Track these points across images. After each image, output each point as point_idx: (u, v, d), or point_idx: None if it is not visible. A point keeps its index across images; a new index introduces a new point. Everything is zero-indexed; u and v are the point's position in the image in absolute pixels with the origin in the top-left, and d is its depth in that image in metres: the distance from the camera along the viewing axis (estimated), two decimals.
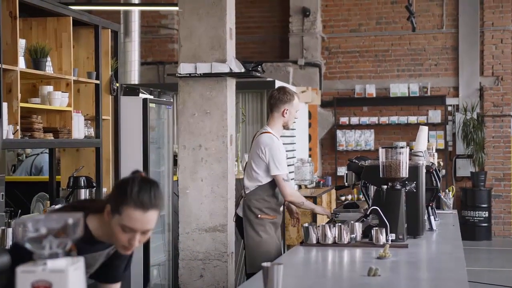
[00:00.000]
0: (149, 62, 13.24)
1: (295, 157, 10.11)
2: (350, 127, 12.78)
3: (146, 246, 6.19)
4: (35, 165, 7.63)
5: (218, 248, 5.62)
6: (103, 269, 2.79)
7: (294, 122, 5.25)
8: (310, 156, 12.00)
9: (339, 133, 12.77)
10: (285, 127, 5.15)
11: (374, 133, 12.70)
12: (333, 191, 11.01)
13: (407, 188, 4.45)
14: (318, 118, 12.57)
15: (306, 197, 8.89)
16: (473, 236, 12.04)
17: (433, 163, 5.57)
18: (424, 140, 5.40)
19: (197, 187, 5.57)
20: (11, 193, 6.57)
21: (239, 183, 7.45)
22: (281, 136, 5.20)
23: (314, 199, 8.96)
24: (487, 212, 12.09)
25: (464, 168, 12.44)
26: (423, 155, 5.05)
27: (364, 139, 12.69)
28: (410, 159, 5.05)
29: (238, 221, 5.19)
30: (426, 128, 5.54)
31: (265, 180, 5.03)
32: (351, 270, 3.65)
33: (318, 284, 3.23)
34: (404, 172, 4.36)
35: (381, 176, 4.39)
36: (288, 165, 9.27)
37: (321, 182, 10.59)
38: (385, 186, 4.37)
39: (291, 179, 9.64)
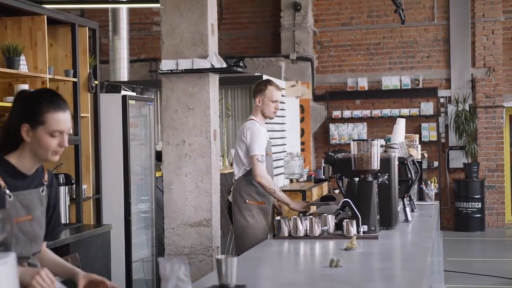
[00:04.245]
0: (142, 59, 13.28)
1: (285, 151, 10.15)
2: (343, 120, 12.80)
3: (128, 241, 6.24)
4: None
5: (203, 243, 5.65)
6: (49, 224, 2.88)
7: (275, 111, 5.45)
8: (303, 150, 12.04)
9: (332, 126, 12.79)
10: (264, 115, 5.40)
11: (367, 126, 12.72)
12: (325, 184, 11.04)
13: (379, 180, 4.48)
14: (310, 112, 12.60)
15: (295, 191, 9.01)
16: (467, 227, 12.07)
17: (411, 155, 5.59)
18: (401, 132, 5.44)
19: (181, 183, 5.59)
20: None
21: (225, 177, 7.50)
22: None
23: (303, 193, 8.99)
24: (480, 203, 12.11)
25: (457, 160, 12.46)
26: (397, 147, 5.07)
27: (357, 132, 12.71)
28: (385, 151, 5.09)
29: (230, 207, 5.44)
30: (403, 120, 5.56)
31: (249, 164, 5.28)
32: (315, 262, 3.69)
33: (278, 275, 3.26)
34: (376, 164, 4.39)
35: (353, 168, 4.42)
36: (278, 160, 9.38)
37: (313, 175, 10.61)
38: (357, 178, 4.40)
39: (281, 173, 9.68)
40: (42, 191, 2.82)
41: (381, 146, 4.85)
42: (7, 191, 2.66)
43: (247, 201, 5.27)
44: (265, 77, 9.74)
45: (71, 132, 5.59)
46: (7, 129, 2.75)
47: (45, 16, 5.14)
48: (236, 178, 5.36)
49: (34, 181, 2.79)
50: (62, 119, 2.69)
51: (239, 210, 5.28)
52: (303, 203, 5.35)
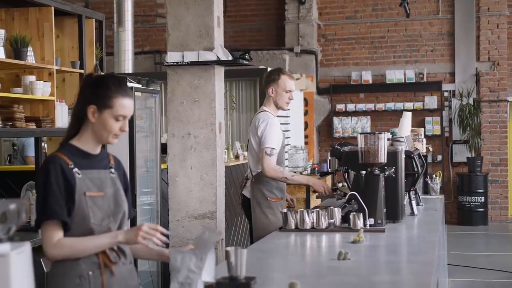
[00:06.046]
0: (146, 51, 13.28)
1: (289, 144, 10.15)
2: (347, 114, 12.79)
3: None
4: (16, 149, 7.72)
5: None
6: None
7: (288, 102, 5.27)
8: (306, 143, 12.04)
9: (335, 120, 12.79)
10: (277, 106, 5.23)
11: (371, 120, 12.72)
12: (329, 177, 11.04)
13: (386, 173, 4.48)
14: (314, 105, 12.59)
15: (299, 184, 8.99)
16: (470, 221, 12.08)
17: (417, 149, 5.60)
18: (407, 126, 5.44)
19: (186, 175, 5.58)
20: (4, 183, 6.64)
21: (229, 170, 7.50)
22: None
23: (307, 186, 8.98)
24: (483, 197, 12.12)
25: (461, 154, 12.46)
26: (404, 140, 5.07)
27: (361, 126, 12.70)
28: (391, 145, 5.09)
29: (245, 202, 5.24)
30: (409, 114, 5.56)
31: None
32: (323, 255, 3.70)
33: (286, 268, 3.27)
34: (383, 158, 4.38)
35: (360, 161, 4.42)
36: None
37: (317, 169, 10.61)
38: (363, 172, 4.40)
39: (285, 166, 9.66)
40: (112, 173, 2.92)
41: (388, 139, 4.84)
42: (75, 169, 2.79)
43: (268, 198, 5.11)
44: (270, 69, 9.74)
45: None
46: (74, 113, 2.88)
47: (52, 7, 5.14)
48: (254, 173, 5.17)
49: (101, 162, 2.91)
50: (128, 105, 2.83)
51: (260, 208, 5.11)
52: (323, 182, 5.13)
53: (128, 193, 3.02)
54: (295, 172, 9.97)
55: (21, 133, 5.03)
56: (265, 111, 5.21)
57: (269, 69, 9.87)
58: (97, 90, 2.82)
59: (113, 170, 2.93)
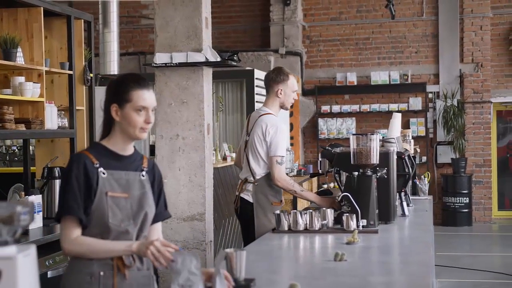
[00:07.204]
0: (130, 53, 13.22)
1: None
2: (332, 115, 12.82)
3: None
4: None
5: (197, 237, 5.64)
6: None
7: (293, 102, 5.14)
8: (292, 144, 12.05)
9: (320, 121, 12.81)
10: (282, 107, 5.08)
11: (356, 121, 12.75)
12: (315, 179, 11.07)
13: (378, 174, 4.48)
14: (299, 106, 12.61)
15: None
16: (454, 222, 12.15)
17: (407, 150, 5.61)
18: (397, 127, 5.45)
19: (175, 177, 5.58)
20: None
21: (217, 171, 7.48)
22: None
23: None
24: (467, 198, 12.19)
25: (445, 155, 12.53)
26: (395, 141, 5.09)
27: (346, 127, 12.74)
28: (382, 146, 5.10)
29: (244, 205, 5.05)
30: (399, 115, 5.57)
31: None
32: (318, 256, 3.69)
33: (283, 269, 3.27)
34: (375, 159, 4.39)
35: (352, 162, 4.42)
36: None
37: (303, 170, 10.65)
38: (356, 173, 4.40)
39: None
40: (142, 176, 2.93)
41: (379, 140, 4.84)
42: (101, 169, 2.83)
43: (273, 203, 4.98)
44: (257, 72, 9.75)
45: (67, 125, 5.57)
46: (103, 118, 2.92)
47: (42, 8, 5.09)
48: (257, 177, 4.97)
49: (132, 164, 2.94)
50: (147, 96, 2.86)
51: (264, 212, 4.95)
52: (330, 200, 4.85)
53: (162, 195, 3.02)
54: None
55: (11, 135, 4.98)
56: (271, 113, 5.02)
57: (255, 70, 9.91)
58: (116, 89, 2.88)
59: (144, 173, 2.94)
